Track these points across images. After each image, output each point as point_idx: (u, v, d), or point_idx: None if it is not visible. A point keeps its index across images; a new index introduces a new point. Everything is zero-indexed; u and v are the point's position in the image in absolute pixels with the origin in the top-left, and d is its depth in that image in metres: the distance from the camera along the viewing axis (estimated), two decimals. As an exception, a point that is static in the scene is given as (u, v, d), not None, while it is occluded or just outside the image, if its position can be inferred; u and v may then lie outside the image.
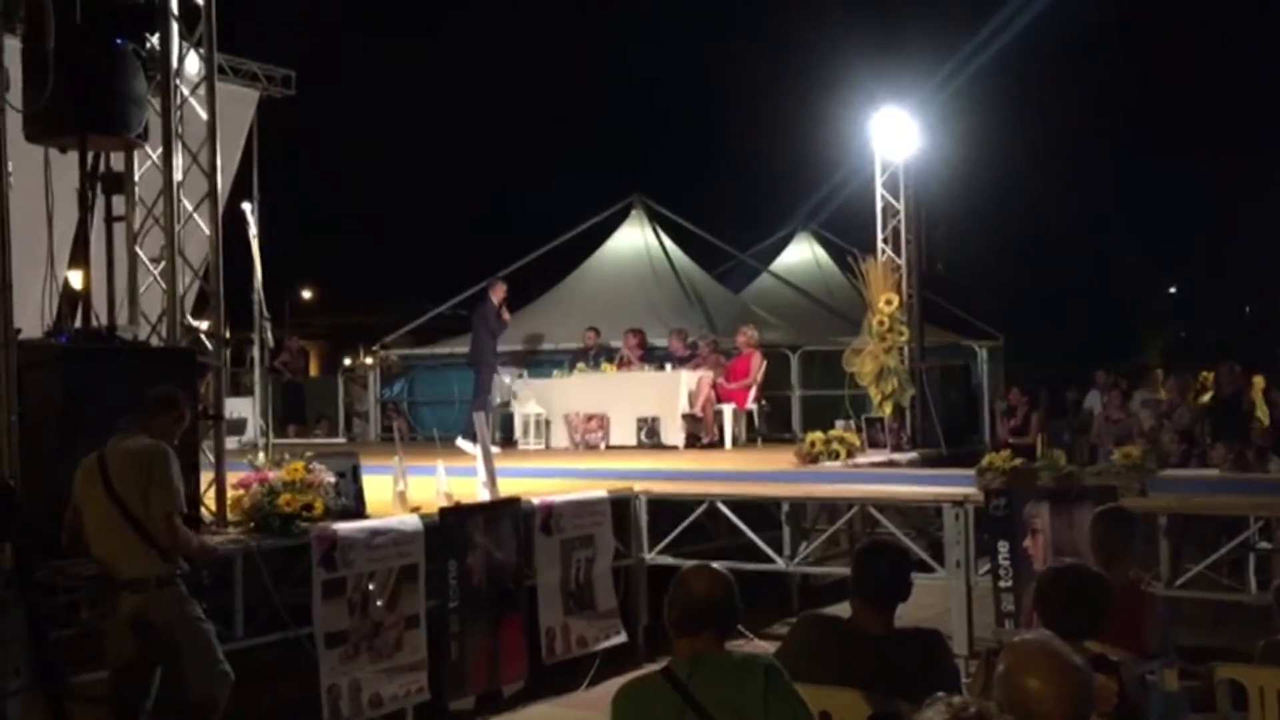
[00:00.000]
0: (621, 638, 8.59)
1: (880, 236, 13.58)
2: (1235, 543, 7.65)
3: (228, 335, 7.34)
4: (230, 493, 6.91)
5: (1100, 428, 14.40)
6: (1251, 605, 7.58)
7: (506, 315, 13.78)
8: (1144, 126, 36.83)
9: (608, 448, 13.36)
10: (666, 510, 9.26)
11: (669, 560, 8.98)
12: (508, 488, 8.33)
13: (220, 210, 7.36)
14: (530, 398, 14.06)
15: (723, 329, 15.41)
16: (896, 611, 4.20)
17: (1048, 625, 3.51)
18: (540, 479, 9.73)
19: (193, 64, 7.44)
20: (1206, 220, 36.42)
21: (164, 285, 7.12)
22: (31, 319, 6.92)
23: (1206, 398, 14.03)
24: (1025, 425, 14.98)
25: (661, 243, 18.46)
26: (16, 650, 5.42)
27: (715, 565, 3.75)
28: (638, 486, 9.22)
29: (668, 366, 13.81)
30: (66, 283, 7.53)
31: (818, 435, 11.31)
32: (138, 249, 7.41)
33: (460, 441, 12.62)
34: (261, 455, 7.93)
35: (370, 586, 6.78)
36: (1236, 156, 34.07)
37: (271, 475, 6.86)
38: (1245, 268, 36.60)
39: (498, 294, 13.64)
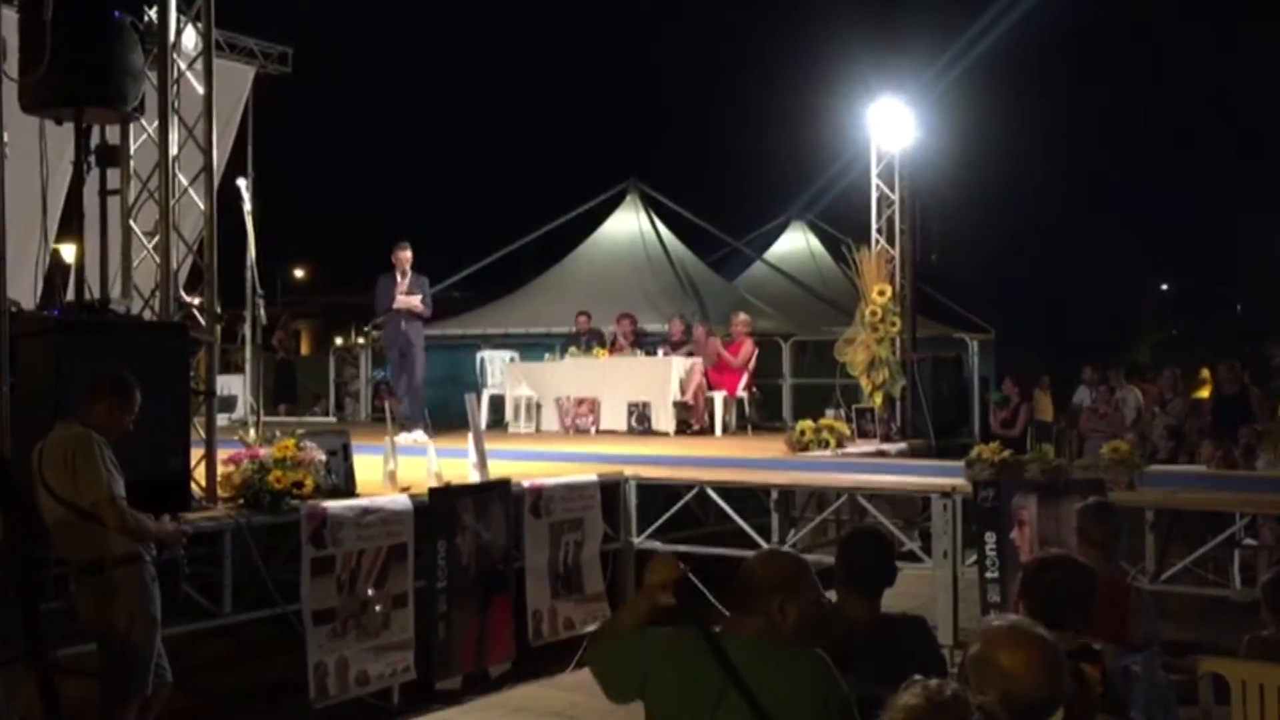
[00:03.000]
0: (609, 621, 8.61)
1: (874, 226, 13.57)
2: (1221, 539, 7.69)
3: (220, 311, 7.32)
4: (220, 469, 6.91)
5: (1089, 421, 14.45)
6: (1236, 601, 7.63)
7: (401, 287, 12.00)
8: (1140, 122, 36.87)
9: (598, 432, 13.37)
10: (656, 495, 9.28)
11: (657, 545, 9.01)
12: (498, 470, 8.34)
13: (215, 186, 7.34)
14: (521, 381, 14.06)
15: (716, 316, 15.44)
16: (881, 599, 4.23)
17: (1032, 615, 3.52)
18: (530, 462, 9.74)
19: (190, 38, 7.42)
20: (1200, 218, 36.52)
21: (157, 259, 7.10)
22: (25, 290, 6.91)
23: (1205, 392, 14.07)
24: (1014, 418, 15.02)
25: (656, 229, 18.48)
26: (6, 623, 5.42)
27: (786, 549, 3.64)
28: (628, 471, 9.24)
29: (660, 351, 13.82)
30: (58, 254, 7.51)
31: (808, 424, 11.35)
32: (132, 222, 7.38)
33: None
34: (252, 432, 7.93)
35: (359, 565, 6.79)
36: (1232, 154, 34.15)
37: (262, 452, 6.87)
38: (1238, 266, 36.71)
39: (396, 260, 12.09)
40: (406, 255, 12.08)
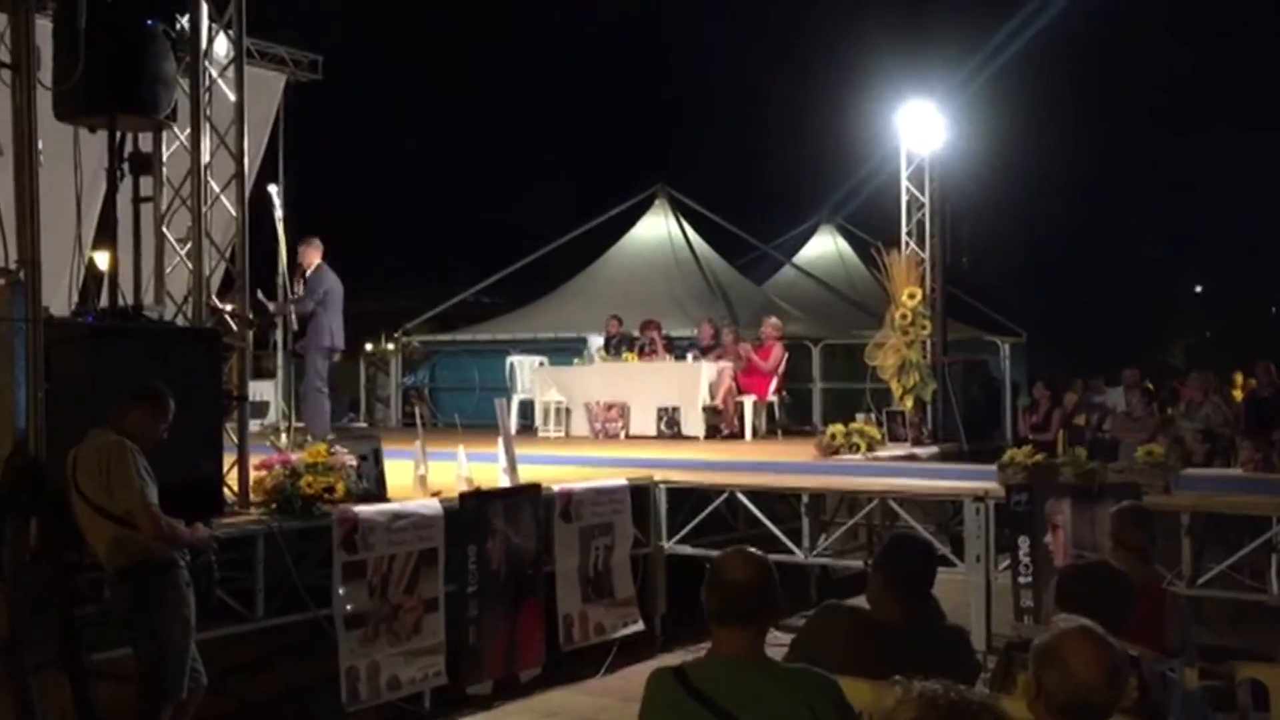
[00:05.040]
0: (639, 626, 8.61)
1: (904, 230, 13.54)
2: (1258, 543, 7.59)
3: (252, 317, 7.35)
4: (252, 474, 6.95)
5: (1121, 424, 14.30)
6: (1273, 606, 7.53)
7: (302, 282, 10.77)
8: (1173, 122, 36.57)
9: (628, 437, 13.36)
10: (686, 500, 9.26)
11: (687, 550, 9.00)
12: (528, 474, 8.34)
13: (247, 192, 7.38)
14: (551, 385, 14.08)
15: (745, 320, 15.42)
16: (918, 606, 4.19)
17: (1069, 621, 3.48)
18: (560, 466, 9.75)
19: (221, 46, 7.48)
20: (1234, 219, 36.14)
21: (190, 266, 7.15)
22: (59, 297, 6.96)
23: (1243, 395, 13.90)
24: (1047, 422, 14.90)
25: (685, 232, 18.49)
26: (43, 627, 5.46)
27: (749, 548, 3.38)
28: (657, 475, 9.23)
29: (689, 356, 13.80)
30: (92, 262, 7.57)
31: (838, 428, 11.31)
32: (165, 229, 7.45)
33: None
34: (284, 437, 7.97)
35: (390, 569, 6.81)
36: (1267, 155, 33.80)
37: (294, 457, 6.90)
38: (1271, 267, 36.32)
39: (304, 258, 10.78)
40: (304, 249, 10.76)
